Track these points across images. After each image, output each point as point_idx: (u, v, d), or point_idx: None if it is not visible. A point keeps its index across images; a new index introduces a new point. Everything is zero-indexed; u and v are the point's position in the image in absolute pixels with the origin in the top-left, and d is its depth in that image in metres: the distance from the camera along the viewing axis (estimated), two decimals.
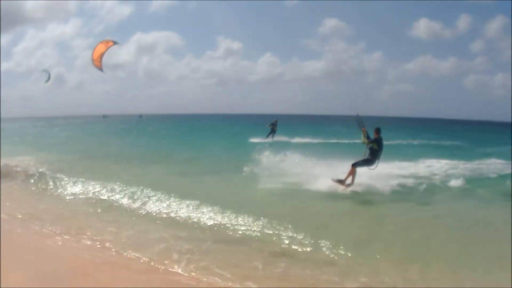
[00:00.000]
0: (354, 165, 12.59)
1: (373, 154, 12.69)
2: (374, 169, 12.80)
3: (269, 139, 30.66)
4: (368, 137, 12.72)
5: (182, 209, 10.01)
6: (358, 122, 12.84)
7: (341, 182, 12.58)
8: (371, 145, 12.65)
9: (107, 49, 14.69)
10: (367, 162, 12.72)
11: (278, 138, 31.26)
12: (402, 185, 13.41)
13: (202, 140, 35.00)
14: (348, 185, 12.54)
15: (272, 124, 31.47)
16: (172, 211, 9.99)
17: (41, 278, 6.03)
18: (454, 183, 14.02)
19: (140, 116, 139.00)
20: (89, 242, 7.80)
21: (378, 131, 12.69)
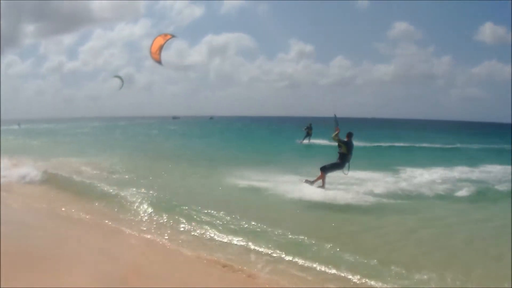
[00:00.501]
0: (323, 169, 12.67)
1: (342, 157, 12.73)
2: (347, 174, 12.89)
3: (306, 142, 31.46)
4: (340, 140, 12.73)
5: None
6: (335, 121, 12.87)
7: (311, 183, 12.68)
8: (341, 146, 12.70)
9: (165, 42, 15.25)
10: (336, 166, 12.76)
11: (317, 141, 31.20)
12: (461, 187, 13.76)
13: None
14: (320, 186, 12.56)
15: (307, 128, 31.81)
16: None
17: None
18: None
19: (211, 117, 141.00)
20: (167, 242, 8.01)
21: (349, 135, 12.83)
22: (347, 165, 12.81)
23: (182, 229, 8.87)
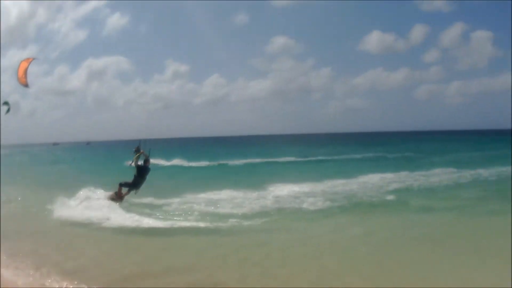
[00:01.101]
0: (121, 185, 12.92)
1: (136, 180, 12.81)
2: (135, 194, 12.91)
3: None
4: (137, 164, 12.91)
5: None
6: (138, 146, 13.37)
7: (113, 199, 12.71)
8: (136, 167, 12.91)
9: (29, 64, 14.64)
10: (131, 185, 12.87)
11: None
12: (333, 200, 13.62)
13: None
14: (116, 199, 12.66)
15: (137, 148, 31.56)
16: None
17: None
18: (388, 197, 14.22)
19: (88, 143, 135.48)
20: None
21: (146, 161, 13.18)
22: (138, 187, 12.84)
23: None
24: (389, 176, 19.47)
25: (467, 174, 19.73)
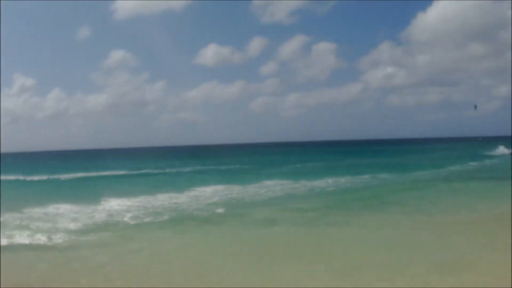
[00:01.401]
0: None
1: None
2: None
3: None
4: None
5: None
6: None
7: None
8: None
9: None
10: None
11: None
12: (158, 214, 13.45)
13: None
14: None
15: None
16: None
17: None
18: (218, 209, 14.15)
19: None
20: None
21: None
22: None
23: None
24: (220, 188, 19.58)
25: (302, 186, 20.27)
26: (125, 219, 12.86)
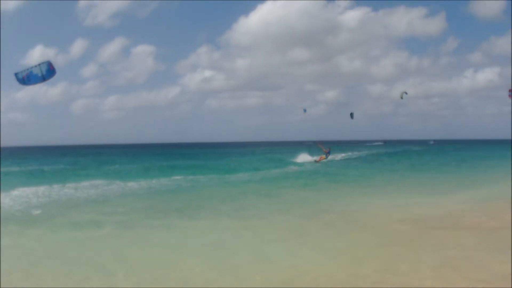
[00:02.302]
0: None
1: None
2: None
3: None
4: None
5: None
6: None
7: None
8: None
9: None
10: None
11: None
12: None
13: None
14: None
15: None
16: None
17: None
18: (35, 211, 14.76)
19: None
20: None
21: None
22: None
23: None
24: (41, 189, 19.90)
25: (117, 187, 21.48)
26: None
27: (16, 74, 15.17)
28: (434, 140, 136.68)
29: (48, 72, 17.61)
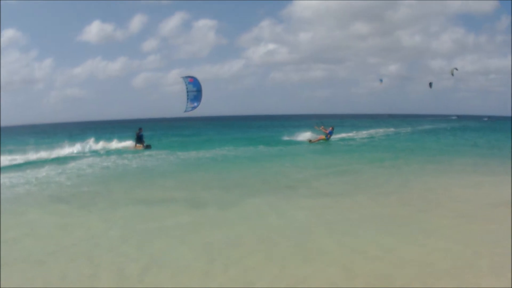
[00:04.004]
0: None
1: None
2: None
3: None
4: None
5: None
6: None
7: None
8: None
9: None
10: None
11: None
12: None
13: None
14: None
15: None
16: None
17: None
18: None
19: None
20: None
21: None
22: None
23: None
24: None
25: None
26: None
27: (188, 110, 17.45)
28: (489, 117, 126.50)
29: (194, 84, 20.04)
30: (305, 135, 33.73)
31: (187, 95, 20.75)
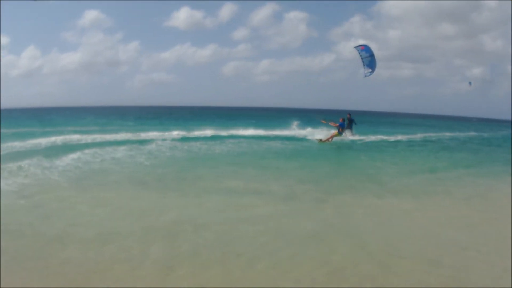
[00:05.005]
0: None
1: None
2: None
3: None
4: None
5: None
6: None
7: None
8: None
9: None
10: None
11: None
12: None
13: None
14: None
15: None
16: None
17: None
18: None
19: None
20: None
21: None
22: None
23: None
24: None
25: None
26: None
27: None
28: None
29: (366, 51, 22.53)
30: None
31: (363, 62, 23.01)
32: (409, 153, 21.41)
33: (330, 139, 24.75)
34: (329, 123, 25.61)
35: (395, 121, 76.04)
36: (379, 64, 23.68)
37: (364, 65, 23.00)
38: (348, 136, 25.68)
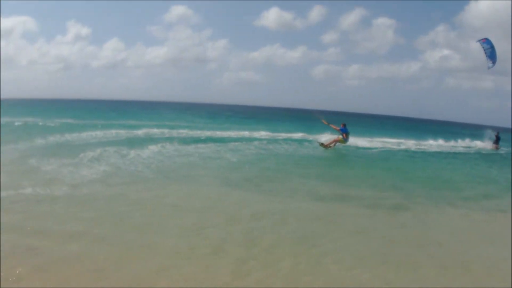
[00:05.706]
0: None
1: None
2: None
3: None
4: None
5: None
6: None
7: None
8: None
9: None
10: None
11: None
12: None
13: None
14: None
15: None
16: None
17: None
18: None
19: None
20: None
21: None
22: None
23: None
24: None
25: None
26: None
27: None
28: None
29: (487, 43, 23.64)
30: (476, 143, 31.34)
31: (485, 54, 23.46)
32: None
33: (332, 144, 22.46)
34: (330, 126, 22.58)
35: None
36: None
37: (487, 57, 23.26)
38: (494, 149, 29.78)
